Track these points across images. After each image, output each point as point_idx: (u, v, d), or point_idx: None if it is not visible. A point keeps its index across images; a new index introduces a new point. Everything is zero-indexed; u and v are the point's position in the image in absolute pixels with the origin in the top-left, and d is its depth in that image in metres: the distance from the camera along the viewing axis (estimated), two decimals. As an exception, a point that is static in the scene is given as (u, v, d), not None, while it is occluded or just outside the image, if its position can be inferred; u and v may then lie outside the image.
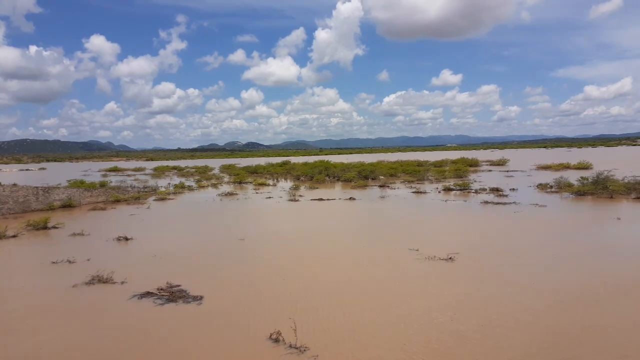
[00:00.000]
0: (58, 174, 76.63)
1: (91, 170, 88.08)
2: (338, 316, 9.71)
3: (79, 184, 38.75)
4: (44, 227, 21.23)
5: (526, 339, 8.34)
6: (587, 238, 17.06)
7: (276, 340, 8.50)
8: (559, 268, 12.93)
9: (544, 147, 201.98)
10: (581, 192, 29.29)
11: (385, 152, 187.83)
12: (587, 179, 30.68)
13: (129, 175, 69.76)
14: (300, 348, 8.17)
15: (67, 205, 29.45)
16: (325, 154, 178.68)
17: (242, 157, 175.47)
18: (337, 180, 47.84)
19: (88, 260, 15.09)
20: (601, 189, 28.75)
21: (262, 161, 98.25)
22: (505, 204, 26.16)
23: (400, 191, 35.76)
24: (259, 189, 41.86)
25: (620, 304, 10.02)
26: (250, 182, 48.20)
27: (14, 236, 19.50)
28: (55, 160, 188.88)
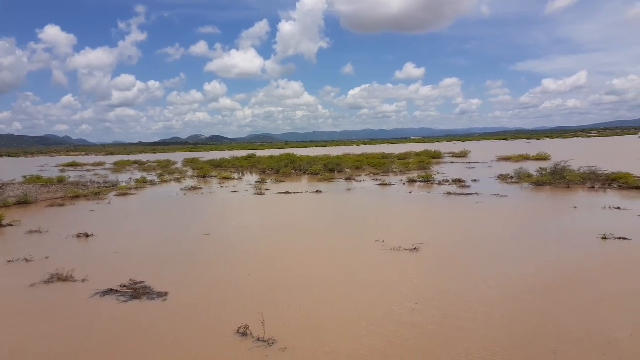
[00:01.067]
0: (12, 169, 73.51)
1: (48, 166, 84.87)
2: (305, 309, 9.71)
3: (35, 180, 37.27)
4: (-2, 224, 20.34)
5: (483, 329, 8.54)
6: (545, 227, 17.64)
7: (244, 334, 8.43)
8: (519, 257, 13.33)
9: (505, 139, 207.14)
10: (540, 182, 30.24)
11: (351, 145, 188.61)
12: (546, 170, 31.74)
13: (88, 170, 67.64)
14: (269, 341, 8.13)
15: (23, 202, 28.28)
16: (291, 147, 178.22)
17: (206, 151, 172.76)
18: (304, 173, 47.78)
19: (46, 258, 14.56)
20: (559, 179, 29.78)
21: (226, 155, 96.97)
22: (467, 194, 26.75)
23: (366, 184, 36.04)
24: (223, 182, 41.36)
25: (574, 293, 10.38)
26: (215, 176, 47.51)
27: (-35, 235, 18.61)
28: (9, 156, 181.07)
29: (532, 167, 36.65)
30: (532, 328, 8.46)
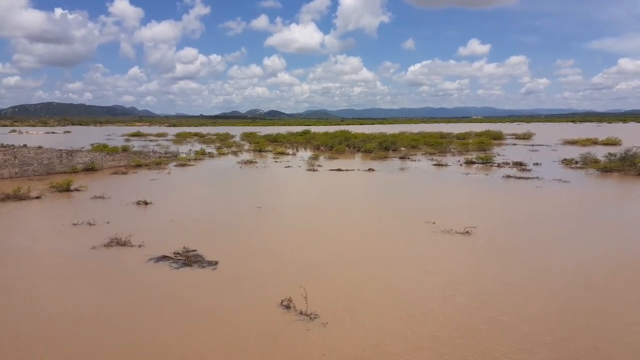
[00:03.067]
0: (82, 137, 77.84)
1: (114, 135, 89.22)
2: (349, 286, 9.72)
3: (101, 148, 39.27)
4: (66, 189, 21.65)
5: (520, 319, 8.20)
6: (607, 217, 16.67)
7: (287, 307, 8.57)
8: (572, 248, 12.68)
9: (572, 122, 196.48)
10: (607, 168, 28.46)
11: (409, 123, 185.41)
12: (615, 156, 29.81)
13: (151, 141, 70.48)
14: (311, 315, 8.22)
15: (90, 169, 29.97)
16: (347, 124, 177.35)
17: (263, 126, 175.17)
18: (357, 150, 47.49)
19: (108, 223, 15.37)
20: (629, 166, 27.90)
21: (282, 130, 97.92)
22: (527, 178, 25.66)
23: (421, 163, 35.38)
24: (278, 157, 41.90)
25: (626, 289, 9.69)
26: (270, 151, 48.23)
27: (37, 197, 19.94)
28: (80, 124, 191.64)
29: (600, 152, 34.56)
30: (575, 324, 8.03)
